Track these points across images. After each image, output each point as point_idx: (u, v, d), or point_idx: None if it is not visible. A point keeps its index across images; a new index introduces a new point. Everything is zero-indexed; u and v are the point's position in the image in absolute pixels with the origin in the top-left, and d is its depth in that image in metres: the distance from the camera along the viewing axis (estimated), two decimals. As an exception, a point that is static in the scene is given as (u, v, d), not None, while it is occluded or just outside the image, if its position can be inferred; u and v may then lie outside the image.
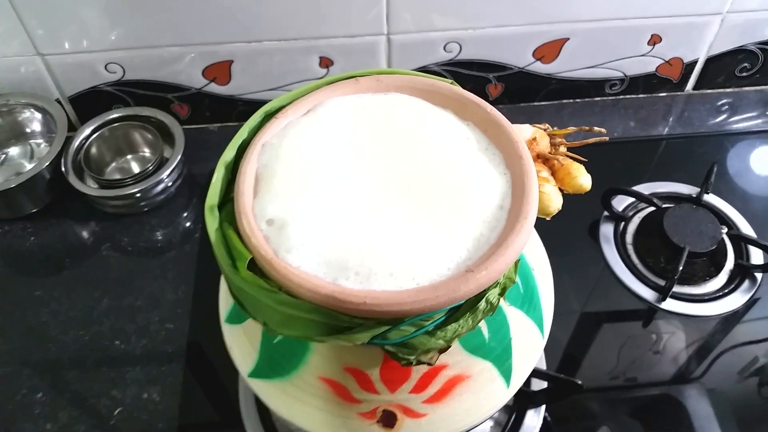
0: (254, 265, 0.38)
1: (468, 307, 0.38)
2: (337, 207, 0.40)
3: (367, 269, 0.36)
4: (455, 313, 0.39)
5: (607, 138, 0.49)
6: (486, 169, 0.41)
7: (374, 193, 0.40)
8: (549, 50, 0.85)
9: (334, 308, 0.36)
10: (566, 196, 0.47)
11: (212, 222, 0.40)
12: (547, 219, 0.46)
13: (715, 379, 0.66)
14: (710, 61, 0.90)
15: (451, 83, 0.46)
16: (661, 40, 0.85)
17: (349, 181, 0.41)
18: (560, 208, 0.45)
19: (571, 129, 0.49)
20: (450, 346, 0.38)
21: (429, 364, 0.39)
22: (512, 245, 0.37)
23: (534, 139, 0.47)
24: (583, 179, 0.46)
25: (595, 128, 0.49)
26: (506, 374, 0.44)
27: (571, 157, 0.48)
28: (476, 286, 0.36)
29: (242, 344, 0.46)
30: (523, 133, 0.47)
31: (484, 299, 0.39)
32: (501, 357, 0.44)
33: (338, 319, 0.36)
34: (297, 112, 0.45)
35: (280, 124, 0.44)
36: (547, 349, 0.66)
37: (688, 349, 0.68)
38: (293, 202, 0.40)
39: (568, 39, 0.83)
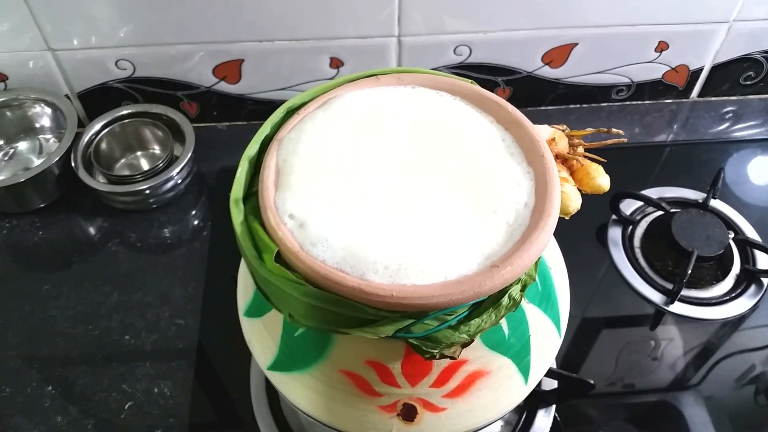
0: (279, 258, 0.38)
1: (491, 302, 0.39)
2: (360, 201, 0.40)
3: (396, 264, 0.37)
4: (478, 308, 0.39)
5: (625, 140, 0.49)
6: (511, 167, 0.41)
7: (399, 187, 0.40)
8: (557, 55, 0.85)
9: (360, 301, 0.36)
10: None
11: (237, 215, 0.41)
12: (566, 219, 0.46)
13: (715, 386, 0.66)
14: (716, 68, 0.90)
15: (471, 83, 0.47)
16: (668, 47, 0.86)
17: (372, 175, 0.41)
18: (579, 208, 0.46)
19: (590, 130, 0.50)
20: (473, 341, 0.39)
21: (452, 358, 0.39)
22: (536, 242, 0.38)
23: (553, 139, 0.48)
24: (601, 179, 0.46)
25: (614, 130, 0.49)
26: (524, 371, 0.44)
27: (589, 158, 0.48)
28: (501, 281, 0.36)
29: (262, 337, 0.46)
30: (542, 133, 0.48)
31: (506, 295, 0.39)
32: (520, 354, 0.44)
33: (364, 312, 0.37)
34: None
35: (300, 119, 0.45)
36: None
37: (696, 351, 0.68)
38: (312, 198, 0.40)
39: (577, 44, 0.84)
